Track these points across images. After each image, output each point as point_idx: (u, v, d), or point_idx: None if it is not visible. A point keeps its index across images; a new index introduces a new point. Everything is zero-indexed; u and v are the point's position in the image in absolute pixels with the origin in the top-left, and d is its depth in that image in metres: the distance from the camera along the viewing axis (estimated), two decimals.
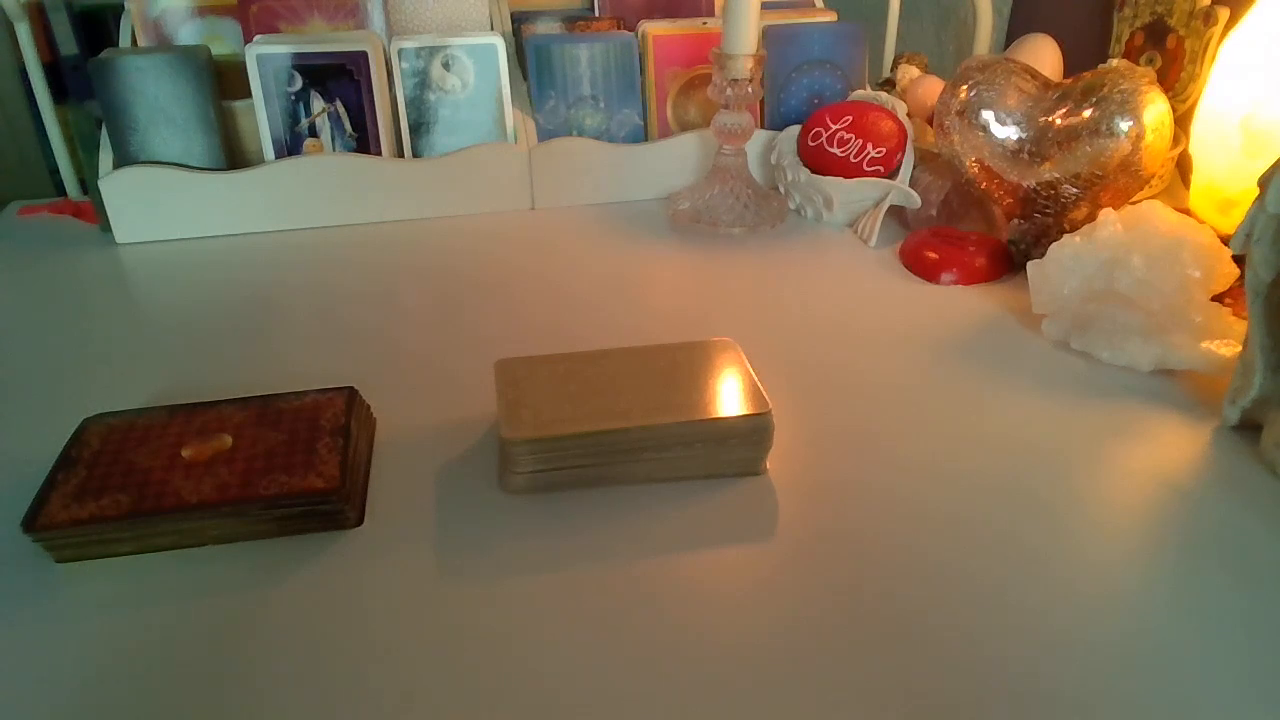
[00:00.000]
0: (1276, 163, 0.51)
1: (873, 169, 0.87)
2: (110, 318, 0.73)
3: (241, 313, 0.73)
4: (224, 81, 0.86)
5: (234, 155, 0.88)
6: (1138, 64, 0.92)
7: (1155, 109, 0.69)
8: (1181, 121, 0.82)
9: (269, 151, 0.88)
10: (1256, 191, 0.52)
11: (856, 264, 0.82)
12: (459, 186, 0.92)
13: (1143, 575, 0.45)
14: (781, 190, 0.95)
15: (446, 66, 0.89)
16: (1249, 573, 0.45)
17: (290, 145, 0.88)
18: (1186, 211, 0.70)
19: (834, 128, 0.88)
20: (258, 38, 0.87)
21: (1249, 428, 0.56)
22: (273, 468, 0.48)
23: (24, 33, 0.93)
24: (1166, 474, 0.53)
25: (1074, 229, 0.70)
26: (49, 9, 1.75)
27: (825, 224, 0.90)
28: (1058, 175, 0.73)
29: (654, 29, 0.94)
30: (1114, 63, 0.72)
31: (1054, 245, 0.67)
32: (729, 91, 0.84)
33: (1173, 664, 0.40)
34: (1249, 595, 0.44)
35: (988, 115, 0.75)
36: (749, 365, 0.55)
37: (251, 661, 0.41)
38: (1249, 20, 0.73)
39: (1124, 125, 0.69)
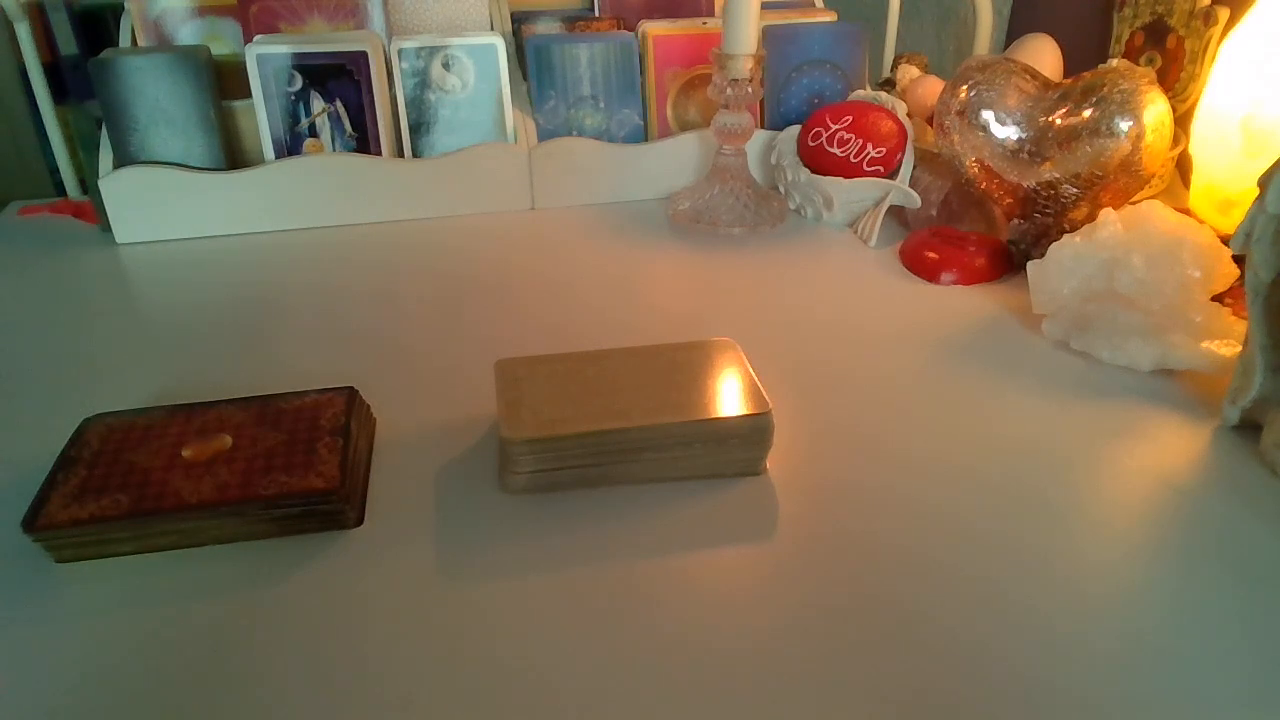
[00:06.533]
0: (1276, 163, 0.51)
1: (873, 169, 0.87)
2: (110, 318, 0.73)
3: (241, 313, 0.73)
4: (224, 81, 0.86)
5: (234, 155, 0.88)
6: (1138, 64, 0.92)
7: (1155, 109, 0.69)
8: (1181, 121, 0.82)
9: (269, 151, 0.88)
10: (1256, 191, 0.52)
11: (856, 264, 0.82)
12: (459, 186, 0.92)
13: (1143, 575, 0.45)
14: (781, 190, 0.95)
15: (446, 66, 0.89)
16: (1249, 573, 0.45)
17: (290, 145, 0.88)
18: (1186, 211, 0.70)
19: (834, 128, 0.88)
20: (258, 38, 0.87)
21: (1249, 428, 0.56)
22: (273, 468, 0.48)
23: (24, 33, 0.93)
24: (1166, 474, 0.53)
25: (1074, 229, 0.70)
26: (49, 9, 1.75)
27: (825, 224, 0.90)
28: (1058, 175, 0.73)
29: (654, 29, 0.94)
30: (1114, 63, 0.72)
31: (1054, 245, 0.67)
32: (729, 91, 0.84)
33: (1173, 664, 0.40)
34: (1249, 595, 0.44)
35: (988, 115, 0.75)
36: (749, 365, 0.55)
37: (251, 661, 0.41)
38: (1249, 20, 0.73)
39: (1124, 125, 0.69)
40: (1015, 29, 1.16)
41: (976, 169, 0.77)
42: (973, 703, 0.39)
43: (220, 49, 0.89)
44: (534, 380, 0.53)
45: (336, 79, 0.87)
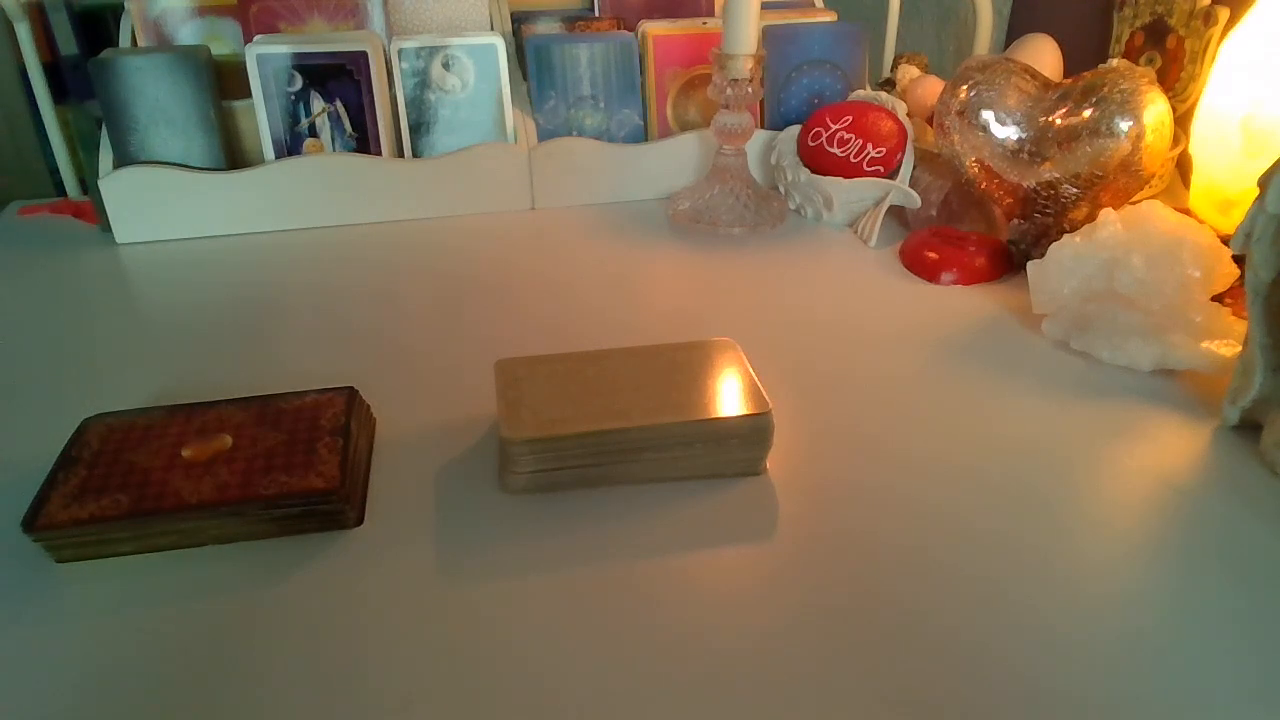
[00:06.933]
0: (1276, 163, 0.51)
1: (873, 169, 0.87)
2: (110, 318, 0.73)
3: (241, 313, 0.73)
4: (224, 81, 0.86)
5: (234, 155, 0.88)
6: (1138, 64, 0.92)
7: (1155, 109, 0.69)
8: (1181, 121, 0.82)
9: (269, 151, 0.88)
10: (1256, 191, 0.52)
11: (856, 264, 0.82)
12: (459, 186, 0.92)
13: (1143, 575, 0.45)
14: (781, 190, 0.95)
15: (446, 66, 0.89)
16: (1249, 573, 0.45)
17: (290, 145, 0.88)
18: (1186, 211, 0.70)
19: (834, 128, 0.88)
20: (258, 38, 0.87)
21: (1249, 428, 0.56)
22: (273, 468, 0.48)
23: (24, 33, 0.93)
24: (1166, 474, 0.53)
25: (1074, 229, 0.70)
26: (49, 9, 1.75)
27: (825, 224, 0.91)
28: (1058, 175, 0.73)
29: (654, 29, 0.94)
30: (1114, 63, 0.72)
31: (1054, 245, 0.67)
32: (729, 91, 0.84)
33: (1173, 664, 0.40)
34: (1249, 595, 0.44)
35: (988, 115, 0.75)
36: (749, 365, 0.55)
37: (251, 661, 0.41)
38: (1249, 20, 0.73)
39: (1124, 125, 0.69)
40: (1015, 29, 1.16)
41: (976, 169, 0.77)
42: (973, 703, 0.39)
43: (220, 49, 0.89)
44: (534, 380, 0.53)
45: (336, 79, 0.87)
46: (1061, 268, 0.66)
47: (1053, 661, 0.40)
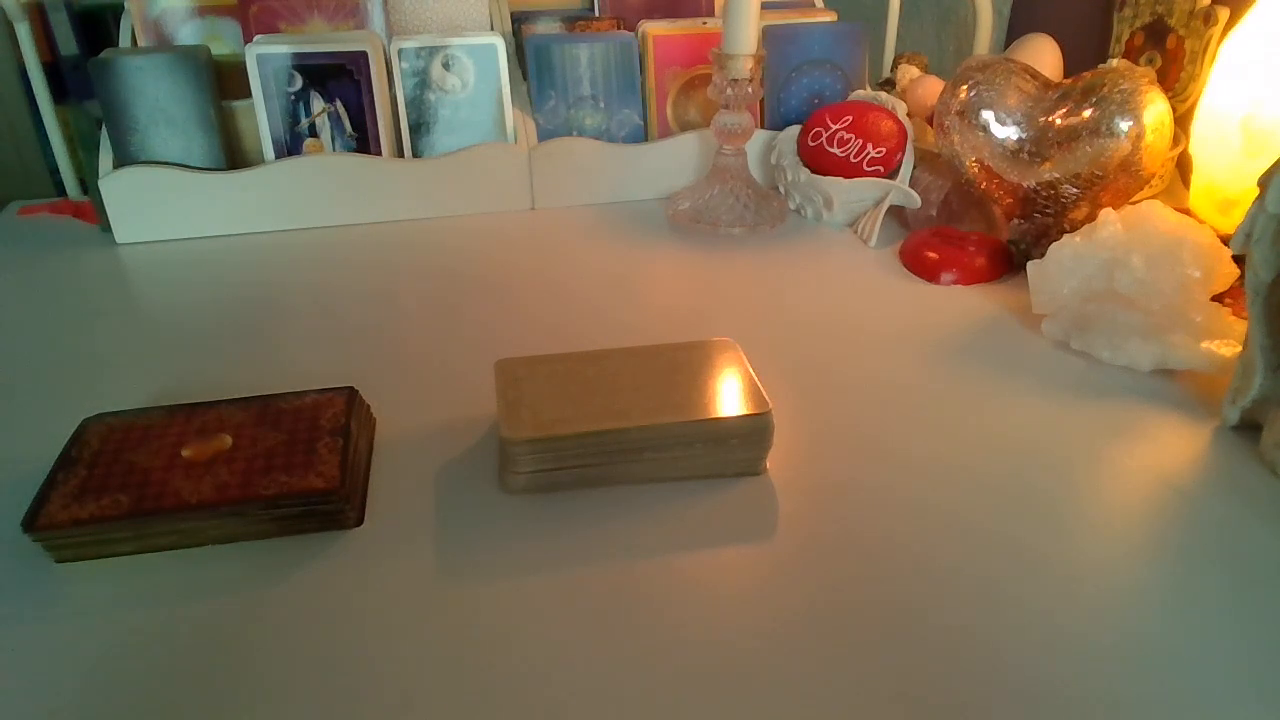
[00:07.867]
0: (1276, 163, 0.51)
1: (873, 169, 0.87)
2: (110, 318, 0.73)
3: (241, 313, 0.73)
4: (224, 81, 0.86)
5: (234, 155, 0.88)
6: (1138, 64, 0.92)
7: (1155, 109, 0.69)
8: (1181, 121, 0.82)
9: (269, 151, 0.88)
10: (1256, 191, 0.52)
11: (856, 264, 0.82)
12: (459, 186, 0.92)
13: (1143, 575, 0.45)
14: (781, 190, 0.95)
15: (446, 66, 0.89)
16: (1249, 573, 0.45)
17: (290, 145, 0.88)
18: (1186, 211, 0.70)
19: (834, 128, 0.88)
20: (258, 38, 0.87)
21: (1249, 428, 0.56)
22: (273, 468, 0.48)
23: (24, 33, 0.93)
24: (1166, 474, 0.53)
25: (1074, 229, 0.70)
26: (49, 9, 1.75)
27: (825, 224, 0.91)
28: (1058, 175, 0.73)
29: (654, 29, 0.94)
30: (1114, 63, 0.72)
31: (1054, 245, 0.67)
32: (729, 91, 0.84)
33: (1173, 664, 0.40)
34: (1249, 595, 0.44)
35: (988, 115, 0.75)
36: (749, 365, 0.55)
37: (252, 661, 0.41)
38: (1249, 20, 0.73)
39: (1124, 125, 0.69)
40: (1015, 29, 1.16)
41: (976, 169, 0.77)
42: (973, 702, 0.39)
43: (220, 49, 0.89)
44: (534, 380, 0.53)
45: (336, 79, 0.87)
46: (1061, 268, 0.66)
47: (1052, 661, 0.40)
